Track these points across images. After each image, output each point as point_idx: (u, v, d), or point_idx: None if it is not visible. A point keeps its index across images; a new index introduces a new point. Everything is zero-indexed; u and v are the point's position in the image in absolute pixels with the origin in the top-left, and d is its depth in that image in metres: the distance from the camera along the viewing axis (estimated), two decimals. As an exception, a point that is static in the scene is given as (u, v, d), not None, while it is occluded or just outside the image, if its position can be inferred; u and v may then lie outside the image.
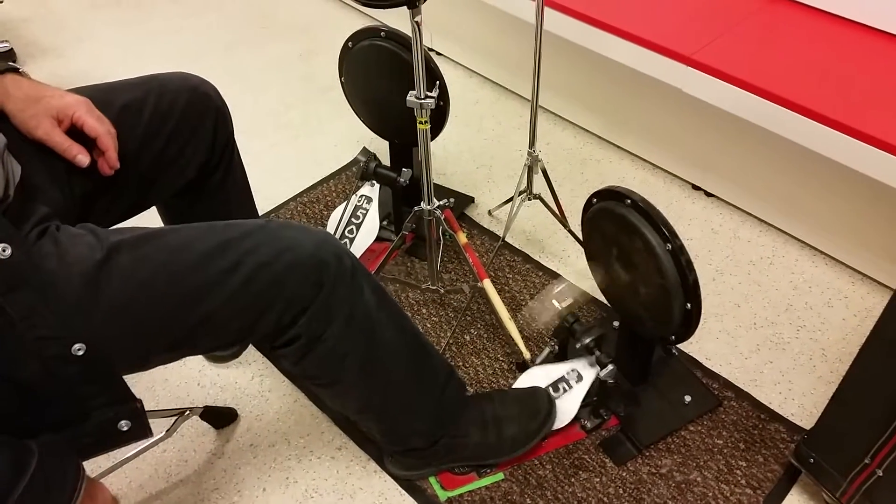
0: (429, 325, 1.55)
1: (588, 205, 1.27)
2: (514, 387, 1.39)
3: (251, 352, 1.51)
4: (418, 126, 1.20)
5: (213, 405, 1.39)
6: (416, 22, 1.06)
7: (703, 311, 1.14)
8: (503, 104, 2.15)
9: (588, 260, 1.36)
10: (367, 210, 1.70)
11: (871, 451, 1.06)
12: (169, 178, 1.17)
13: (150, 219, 1.24)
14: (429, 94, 1.16)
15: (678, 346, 1.46)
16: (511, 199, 1.64)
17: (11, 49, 2.37)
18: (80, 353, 0.84)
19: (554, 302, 1.31)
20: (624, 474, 1.28)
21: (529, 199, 1.63)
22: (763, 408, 1.37)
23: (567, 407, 1.33)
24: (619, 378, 1.29)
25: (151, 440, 1.23)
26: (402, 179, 1.49)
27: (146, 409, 0.94)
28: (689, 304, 1.12)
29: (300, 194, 1.87)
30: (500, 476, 1.29)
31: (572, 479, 1.28)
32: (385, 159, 1.68)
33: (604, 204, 1.21)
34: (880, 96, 1.41)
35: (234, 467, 1.33)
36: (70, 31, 2.55)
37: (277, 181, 1.91)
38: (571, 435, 1.34)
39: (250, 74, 2.32)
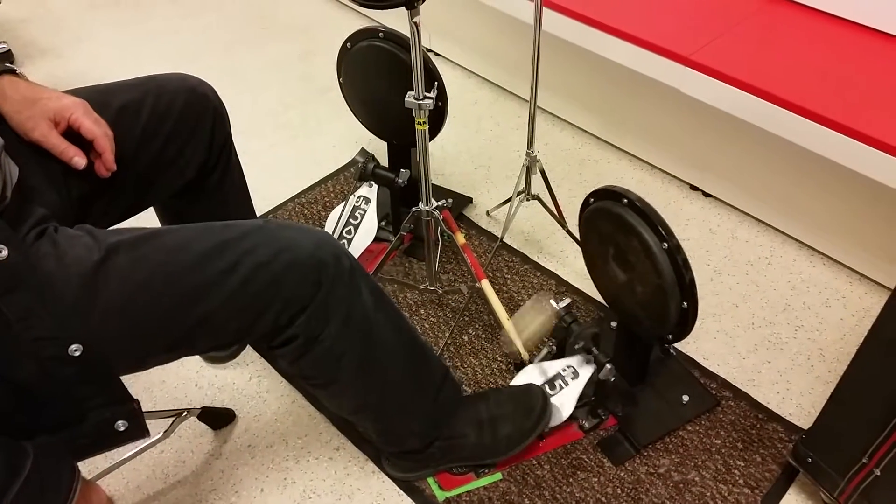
0: (427, 326, 1.55)
1: (585, 204, 1.27)
2: (510, 385, 1.39)
3: (249, 352, 1.51)
4: (416, 127, 1.20)
5: (211, 406, 1.39)
6: (415, 23, 1.06)
7: (700, 310, 1.15)
8: (501, 105, 2.15)
9: (585, 259, 1.36)
10: (366, 211, 1.70)
11: (869, 451, 1.06)
12: (167, 179, 1.17)
13: (148, 219, 1.24)
14: (427, 94, 1.16)
15: (676, 345, 1.46)
16: (509, 200, 1.64)
17: (9, 50, 2.37)
18: (77, 353, 0.85)
19: (549, 304, 1.32)
20: (622, 474, 1.28)
21: (528, 200, 1.64)
22: (761, 407, 1.37)
23: (563, 404, 1.33)
24: (617, 377, 1.29)
25: (149, 441, 1.23)
26: (400, 180, 1.49)
27: (143, 409, 0.94)
28: (685, 304, 1.13)
29: (298, 195, 1.87)
30: (498, 476, 1.29)
31: (570, 479, 1.28)
32: (383, 160, 1.68)
33: (601, 203, 1.21)
34: (879, 97, 1.41)
35: (231, 468, 1.33)
36: (68, 32, 2.55)
37: (276, 182, 1.91)
38: (569, 435, 1.34)
39: (249, 75, 2.32)
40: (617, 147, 1.97)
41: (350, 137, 2.04)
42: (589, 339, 1.34)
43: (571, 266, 1.67)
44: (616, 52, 1.66)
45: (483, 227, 1.77)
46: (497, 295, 1.43)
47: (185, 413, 1.28)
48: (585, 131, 2.03)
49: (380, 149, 1.69)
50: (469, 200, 1.83)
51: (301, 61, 2.38)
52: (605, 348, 1.35)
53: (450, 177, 1.91)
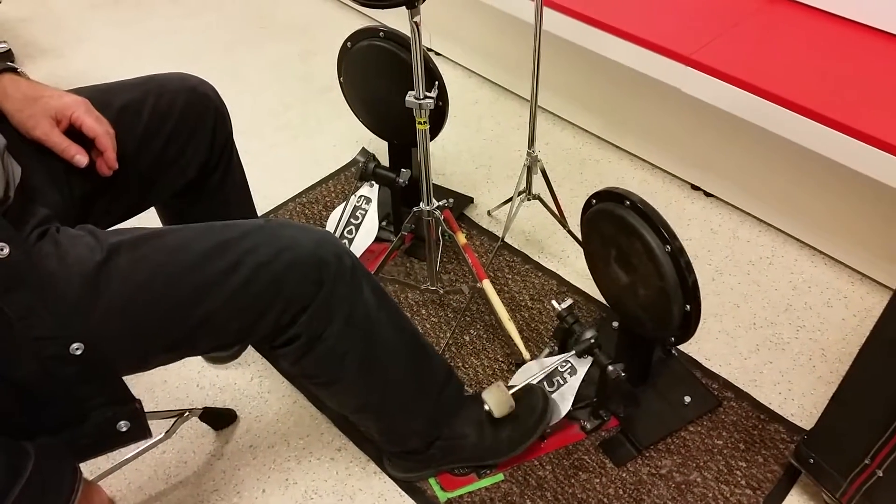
0: (428, 326, 1.55)
1: (587, 206, 1.26)
2: (511, 382, 1.39)
3: (250, 353, 1.51)
4: (417, 126, 1.20)
5: (213, 406, 1.39)
6: (415, 22, 1.06)
7: (702, 311, 1.14)
8: (502, 104, 2.15)
9: (587, 260, 1.36)
10: (366, 210, 1.69)
11: (872, 452, 1.06)
12: (168, 179, 1.17)
13: (149, 219, 1.24)
14: (428, 94, 1.16)
15: (677, 346, 1.46)
16: (510, 200, 1.64)
17: (10, 49, 2.37)
18: (79, 352, 0.84)
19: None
20: (624, 475, 1.28)
21: (529, 200, 1.63)
22: (763, 408, 1.37)
23: (562, 400, 1.32)
24: (621, 377, 1.29)
25: (150, 441, 1.23)
26: (401, 180, 1.49)
27: (145, 410, 0.94)
28: (688, 307, 1.12)
29: (299, 195, 1.87)
30: (499, 477, 1.29)
31: (572, 480, 1.28)
32: (384, 160, 1.68)
33: (603, 205, 1.21)
34: (879, 96, 1.41)
35: (233, 469, 1.33)
36: (69, 32, 2.54)
37: (276, 181, 1.91)
38: (571, 436, 1.34)
39: (249, 75, 2.32)
40: (618, 147, 1.97)
41: (351, 137, 2.04)
42: (591, 340, 1.33)
43: (573, 266, 1.67)
44: (617, 52, 1.66)
45: (484, 226, 1.77)
46: (498, 295, 1.43)
47: (187, 413, 1.27)
48: (586, 131, 2.02)
49: (380, 148, 1.69)
50: (470, 200, 1.82)
51: (301, 61, 2.38)
52: (608, 349, 1.35)
53: (451, 176, 1.91)
